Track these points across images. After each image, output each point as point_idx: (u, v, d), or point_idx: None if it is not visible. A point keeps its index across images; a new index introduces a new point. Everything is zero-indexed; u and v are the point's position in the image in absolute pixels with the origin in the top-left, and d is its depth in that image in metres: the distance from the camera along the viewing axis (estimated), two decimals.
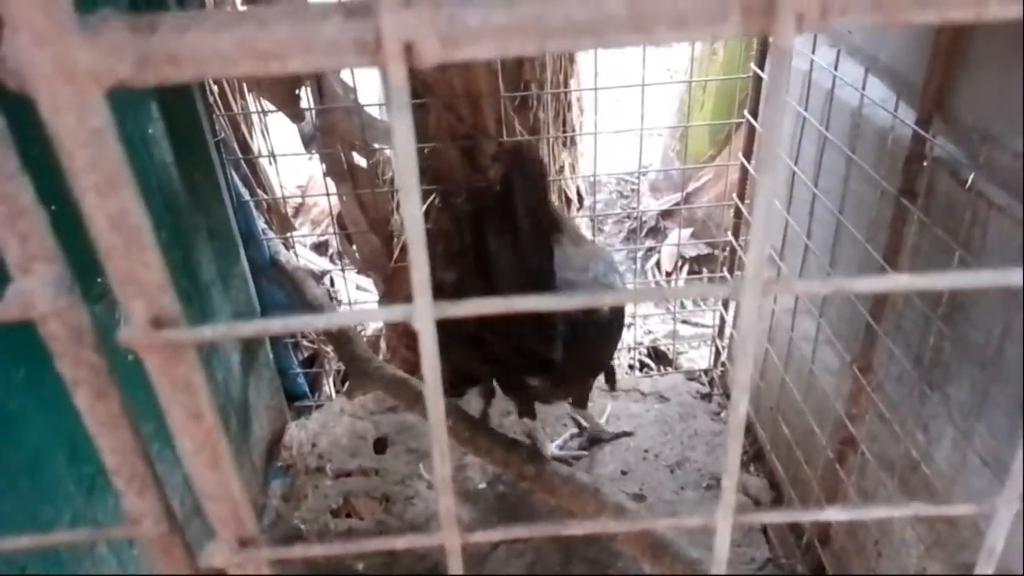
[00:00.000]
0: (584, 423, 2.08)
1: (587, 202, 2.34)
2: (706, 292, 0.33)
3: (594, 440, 2.05)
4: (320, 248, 3.12)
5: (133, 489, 0.37)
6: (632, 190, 3.26)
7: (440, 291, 1.74)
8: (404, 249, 2.12)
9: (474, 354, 1.55)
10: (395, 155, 0.29)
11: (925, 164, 1.18)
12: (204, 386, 0.34)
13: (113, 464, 0.36)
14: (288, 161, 2.13)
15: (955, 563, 1.18)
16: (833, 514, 0.39)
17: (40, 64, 0.26)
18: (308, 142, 2.05)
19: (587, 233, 2.45)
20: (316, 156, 2.13)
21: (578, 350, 1.58)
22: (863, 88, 1.33)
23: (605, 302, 0.33)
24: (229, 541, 0.38)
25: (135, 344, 0.31)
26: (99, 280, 1.14)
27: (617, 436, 2.07)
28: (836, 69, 1.42)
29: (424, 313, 0.32)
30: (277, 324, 0.33)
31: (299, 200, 3.14)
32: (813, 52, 1.52)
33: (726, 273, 2.16)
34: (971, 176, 1.08)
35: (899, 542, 1.33)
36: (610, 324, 1.64)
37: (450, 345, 1.63)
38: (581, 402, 1.92)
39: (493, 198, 1.47)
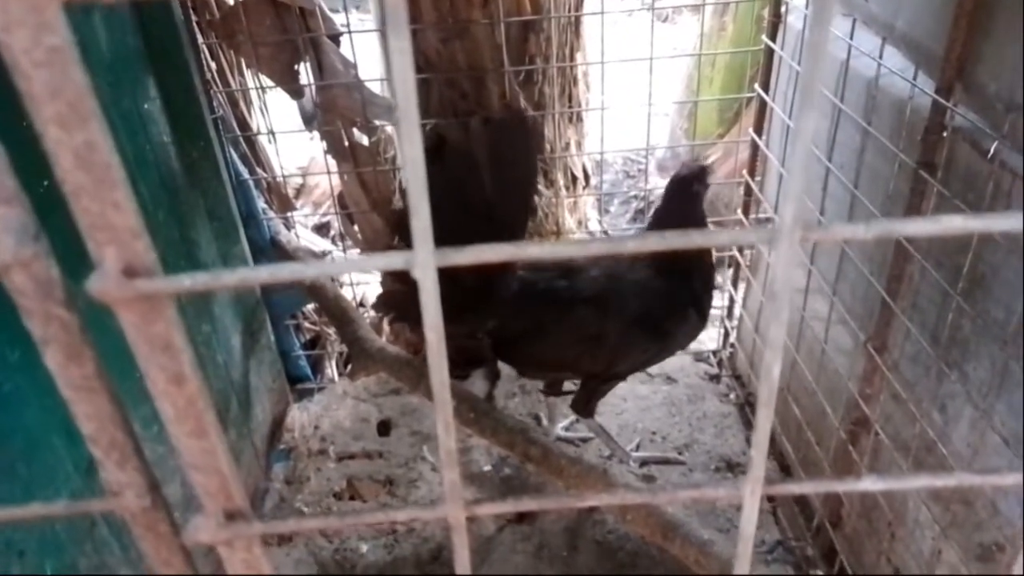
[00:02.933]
0: (544, 418, 2.00)
1: (593, 181, 2.30)
2: (740, 238, 0.30)
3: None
4: (322, 229, 3.08)
5: (112, 459, 0.34)
6: (639, 169, 3.22)
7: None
8: (406, 229, 2.09)
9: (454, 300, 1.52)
10: (394, 85, 0.26)
11: (945, 135, 1.15)
12: (185, 346, 0.31)
13: (89, 431, 0.33)
14: (290, 142, 2.09)
15: (971, 544, 1.16)
16: (869, 483, 0.36)
17: None
18: (308, 120, 2.01)
19: (592, 212, 2.42)
20: (317, 136, 2.09)
21: (539, 323, 1.55)
22: (880, 58, 1.29)
23: (628, 248, 0.30)
24: (216, 515, 0.35)
25: (107, 296, 0.28)
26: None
27: (571, 440, 1.96)
28: (851, 39, 1.38)
29: (425, 260, 0.28)
30: (264, 273, 0.30)
31: (300, 181, 3.11)
32: None
33: (736, 253, 2.12)
34: (993, 146, 1.04)
35: (913, 523, 1.30)
36: (581, 320, 1.57)
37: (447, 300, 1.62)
38: (584, 407, 1.76)
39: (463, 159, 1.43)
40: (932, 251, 1.21)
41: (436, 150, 1.44)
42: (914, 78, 1.21)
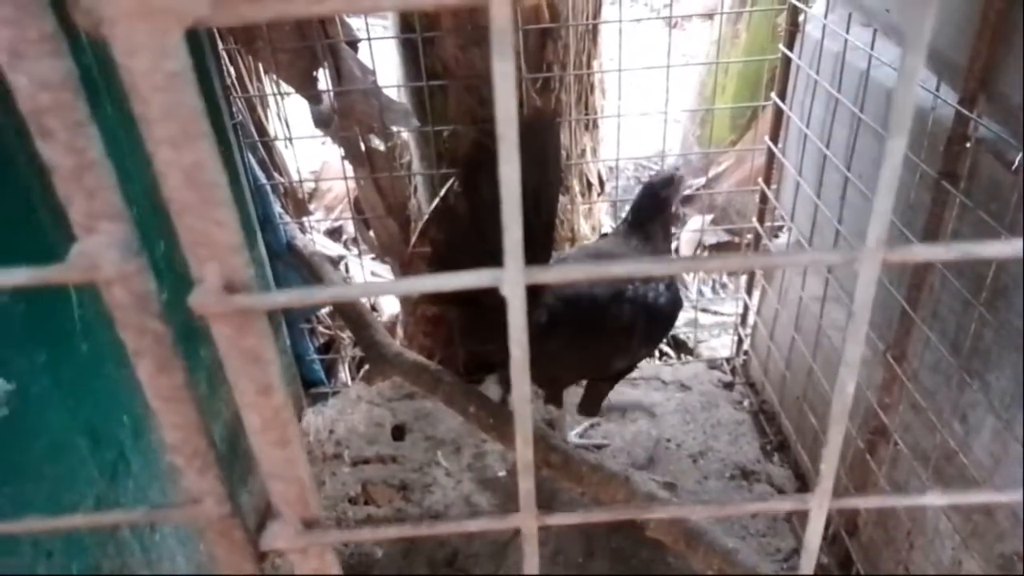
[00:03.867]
0: (580, 429, 2.02)
1: (607, 187, 2.31)
2: (825, 259, 0.31)
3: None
4: (334, 234, 3.09)
5: (194, 468, 0.35)
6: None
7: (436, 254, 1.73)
8: (421, 234, 2.10)
9: (481, 324, 1.53)
10: (496, 104, 0.27)
11: (968, 145, 1.15)
12: (275, 358, 0.32)
13: (174, 440, 0.34)
14: (302, 147, 2.10)
15: (992, 554, 1.16)
16: (933, 499, 0.37)
17: (117, 1, 0.24)
18: (322, 123, 2.01)
19: (606, 219, 2.42)
20: (330, 141, 2.10)
21: (567, 336, 1.56)
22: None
23: (700, 267, 0.30)
24: (294, 523, 0.36)
25: (207, 310, 0.29)
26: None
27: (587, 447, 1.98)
28: (872, 49, 1.39)
29: (514, 277, 0.29)
30: (355, 290, 0.31)
31: (313, 185, 3.12)
32: (847, 32, 1.48)
33: None
34: (1018, 157, 1.04)
35: (933, 533, 1.30)
36: (614, 320, 1.59)
37: (467, 318, 1.61)
38: (590, 407, 1.82)
39: (483, 160, 1.44)
40: (953, 260, 1.21)
41: (478, 159, 1.46)
42: (937, 89, 1.21)
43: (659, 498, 1.25)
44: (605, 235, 2.09)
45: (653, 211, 1.69)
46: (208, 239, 0.28)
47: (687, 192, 3.06)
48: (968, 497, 0.37)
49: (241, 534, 0.37)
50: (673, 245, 2.97)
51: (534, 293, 1.51)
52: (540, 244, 1.52)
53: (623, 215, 1.80)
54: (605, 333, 1.60)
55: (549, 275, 0.30)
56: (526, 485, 0.35)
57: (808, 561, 0.38)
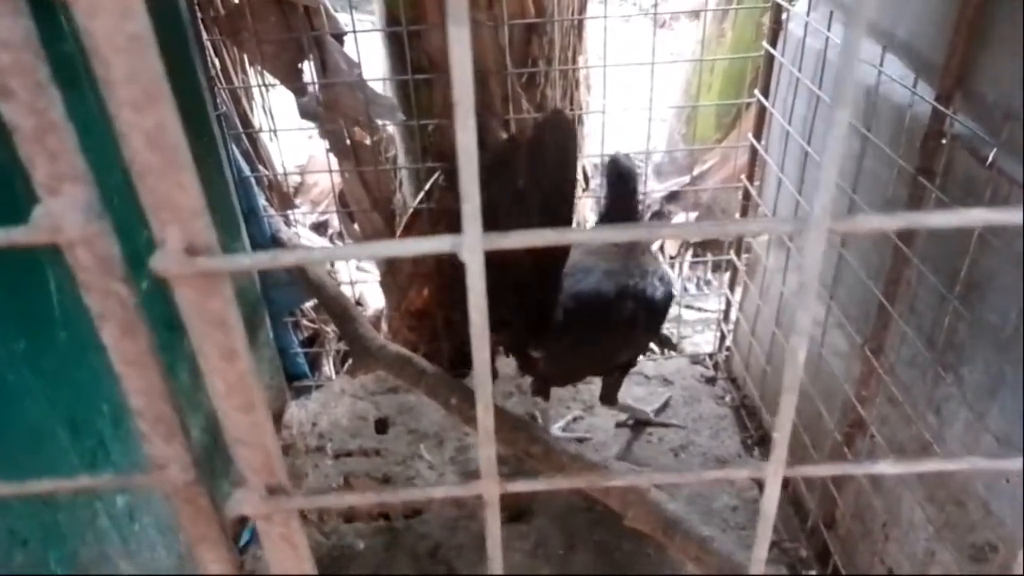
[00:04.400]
0: (622, 415, 2.06)
1: (592, 183, 2.32)
2: (771, 227, 0.31)
3: (641, 423, 2.07)
4: (319, 228, 3.09)
5: (159, 433, 0.35)
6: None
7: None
8: (407, 228, 2.10)
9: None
10: (453, 74, 0.27)
11: (944, 142, 1.17)
12: (239, 323, 0.32)
13: (139, 406, 0.34)
14: (288, 140, 2.10)
15: (965, 545, 1.18)
16: (887, 467, 0.38)
17: None
18: (307, 114, 2.01)
19: (591, 215, 2.43)
20: (316, 135, 2.10)
21: (580, 332, 1.58)
22: (880, 65, 1.31)
23: (660, 235, 0.31)
24: (259, 489, 0.36)
25: (169, 273, 0.29)
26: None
27: (667, 424, 2.07)
28: None
29: (473, 243, 0.30)
30: (320, 254, 0.31)
31: (298, 179, 3.11)
32: (828, 29, 1.50)
33: (733, 256, 2.15)
34: (992, 153, 1.06)
35: (907, 524, 1.32)
36: (619, 314, 1.62)
37: (462, 307, 1.62)
38: (609, 397, 1.89)
39: (508, 155, 1.45)
40: (929, 255, 1.23)
41: (505, 157, 1.47)
42: (914, 86, 1.23)
43: (640, 487, 1.25)
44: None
45: (626, 201, 1.72)
46: (170, 202, 0.29)
47: (673, 189, 3.08)
48: (920, 466, 0.38)
49: (207, 501, 0.38)
50: (658, 242, 2.99)
51: (552, 296, 1.54)
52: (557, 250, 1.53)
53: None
54: (612, 327, 1.64)
55: (508, 240, 0.30)
56: (487, 452, 0.35)
57: (764, 529, 0.39)
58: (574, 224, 2.28)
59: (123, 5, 0.25)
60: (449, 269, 2.10)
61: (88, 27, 0.25)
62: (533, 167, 1.38)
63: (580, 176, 2.19)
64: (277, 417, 2.13)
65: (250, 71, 2.10)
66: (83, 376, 1.25)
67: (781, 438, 0.36)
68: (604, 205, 1.76)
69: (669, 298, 1.73)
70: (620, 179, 1.70)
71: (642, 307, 1.65)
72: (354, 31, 1.87)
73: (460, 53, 0.27)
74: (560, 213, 1.46)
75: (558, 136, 1.40)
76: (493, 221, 1.45)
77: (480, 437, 0.35)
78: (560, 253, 1.50)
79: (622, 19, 4.04)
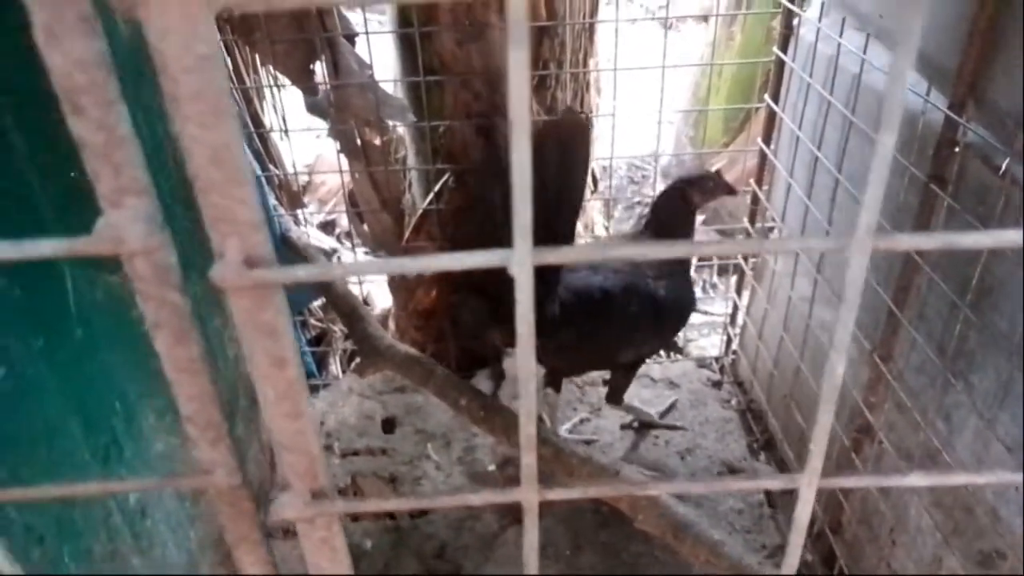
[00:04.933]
0: (627, 416, 2.07)
1: (600, 186, 2.33)
2: (812, 247, 0.32)
3: (645, 425, 2.07)
4: (328, 227, 3.10)
5: (207, 438, 0.36)
6: (643, 176, 3.25)
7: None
8: (416, 229, 2.11)
9: (484, 312, 1.54)
10: (511, 91, 0.28)
11: (956, 150, 1.17)
12: (289, 332, 0.33)
13: (189, 411, 0.35)
14: (297, 140, 2.11)
15: (972, 551, 1.18)
16: (916, 479, 0.38)
17: None
18: (315, 110, 2.01)
19: (599, 217, 2.44)
20: (324, 134, 2.11)
21: (579, 326, 1.59)
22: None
23: (699, 251, 0.32)
24: (303, 494, 0.37)
25: (227, 284, 0.30)
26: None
27: (671, 427, 2.07)
28: (864, 53, 1.41)
29: (522, 258, 0.31)
30: (372, 266, 0.32)
31: (307, 178, 3.12)
32: (840, 36, 1.50)
33: (740, 260, 2.15)
34: (1005, 162, 1.07)
35: (915, 530, 1.33)
36: (621, 311, 1.62)
37: (463, 303, 1.63)
38: (614, 396, 1.89)
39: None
40: (940, 263, 1.24)
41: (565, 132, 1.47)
42: (927, 94, 1.23)
43: (652, 492, 1.26)
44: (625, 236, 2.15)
45: (674, 212, 1.70)
46: (230, 216, 0.30)
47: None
48: (950, 479, 0.39)
49: (250, 505, 0.39)
50: None
51: (548, 286, 1.53)
52: (564, 240, 1.53)
53: (614, 214, 1.82)
54: (612, 325, 1.64)
55: (555, 255, 0.31)
56: (528, 459, 0.36)
57: (796, 539, 0.39)
58: (579, 226, 2.29)
59: (193, 28, 0.26)
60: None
61: (158, 47, 0.26)
62: (545, 167, 1.39)
63: (589, 178, 2.20)
64: None
65: (262, 71, 2.11)
66: (97, 373, 1.26)
67: (817, 449, 0.36)
68: (651, 211, 1.77)
69: (684, 304, 1.72)
70: (677, 187, 1.70)
71: (648, 308, 1.64)
72: (366, 32, 1.87)
73: (519, 76, 0.27)
74: (567, 214, 1.46)
75: (573, 135, 1.41)
76: (503, 222, 1.46)
77: (522, 443, 0.35)
78: (564, 244, 1.51)
79: (630, 22, 4.04)
